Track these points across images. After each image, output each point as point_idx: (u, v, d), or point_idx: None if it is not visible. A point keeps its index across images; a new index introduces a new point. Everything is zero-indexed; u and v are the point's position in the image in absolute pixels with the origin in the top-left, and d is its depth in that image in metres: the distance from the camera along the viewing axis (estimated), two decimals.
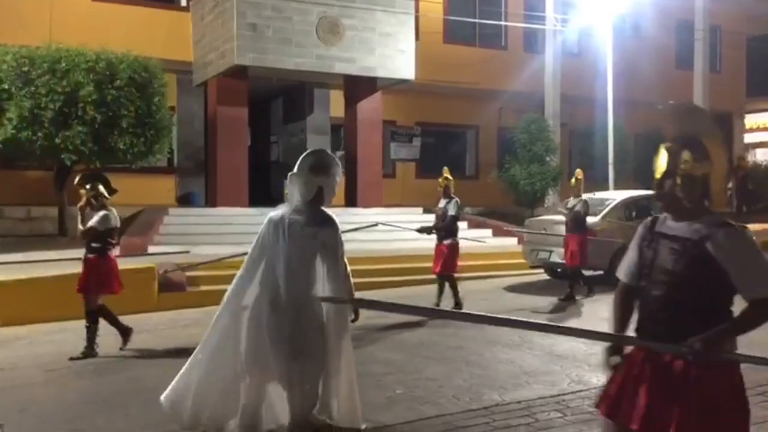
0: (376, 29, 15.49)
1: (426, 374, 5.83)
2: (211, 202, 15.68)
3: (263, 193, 16.73)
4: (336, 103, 17.64)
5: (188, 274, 10.31)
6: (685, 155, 2.63)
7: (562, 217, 10.72)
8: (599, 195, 12.74)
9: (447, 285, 9.18)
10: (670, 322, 2.65)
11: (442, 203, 9.26)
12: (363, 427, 4.41)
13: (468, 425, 4.70)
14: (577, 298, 10.04)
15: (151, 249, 11.84)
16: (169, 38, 15.87)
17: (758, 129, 28.79)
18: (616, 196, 12.64)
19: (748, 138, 27.57)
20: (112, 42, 13.16)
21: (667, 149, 2.70)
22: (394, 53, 15.72)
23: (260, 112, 18.40)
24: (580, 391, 5.41)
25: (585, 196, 10.58)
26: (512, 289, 11.48)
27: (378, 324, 8.32)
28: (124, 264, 9.83)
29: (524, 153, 18.06)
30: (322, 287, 4.18)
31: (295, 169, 4.20)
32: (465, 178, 20.92)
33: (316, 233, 4.15)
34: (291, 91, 18.22)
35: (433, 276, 9.39)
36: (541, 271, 12.60)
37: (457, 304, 9.02)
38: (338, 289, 4.19)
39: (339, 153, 18.84)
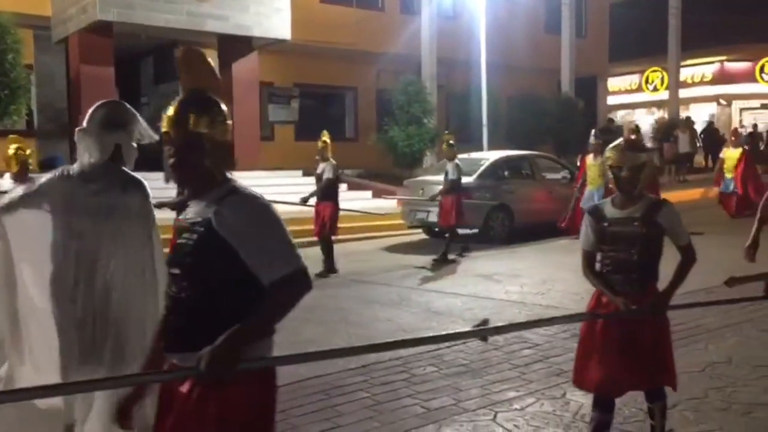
0: None
1: (305, 336, 5.81)
2: None
3: None
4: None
5: None
6: (190, 113, 2.17)
7: (439, 178, 10.93)
8: (474, 155, 13.13)
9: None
10: (183, 332, 2.17)
11: (320, 167, 9.31)
12: None
13: (347, 383, 4.75)
14: (451, 257, 10.26)
15: None
16: None
17: (619, 92, 30.72)
18: (489, 156, 13.04)
19: (611, 100, 29.31)
20: None
21: (174, 107, 2.21)
22: (269, 12, 15.31)
23: (129, 72, 17.44)
24: (454, 345, 5.57)
25: (457, 159, 10.74)
26: (391, 249, 11.66)
27: None
28: None
29: (402, 115, 18.23)
30: (123, 267, 3.41)
31: (84, 124, 3.48)
32: (345, 141, 20.94)
33: (116, 201, 3.41)
34: (162, 49, 17.34)
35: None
36: (420, 230, 12.87)
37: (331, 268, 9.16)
38: (143, 269, 3.46)
39: None
